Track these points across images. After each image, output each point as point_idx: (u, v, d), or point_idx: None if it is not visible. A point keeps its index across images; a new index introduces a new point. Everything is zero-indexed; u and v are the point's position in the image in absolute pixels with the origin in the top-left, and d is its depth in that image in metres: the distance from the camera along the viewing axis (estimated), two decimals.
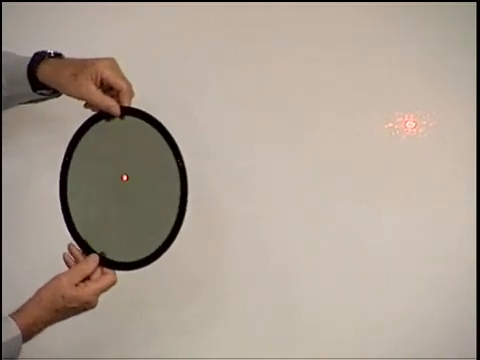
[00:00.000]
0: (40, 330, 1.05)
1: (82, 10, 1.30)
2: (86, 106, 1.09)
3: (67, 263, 1.09)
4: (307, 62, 1.30)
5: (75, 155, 1.10)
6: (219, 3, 1.29)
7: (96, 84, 1.05)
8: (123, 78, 1.06)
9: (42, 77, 1.08)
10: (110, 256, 1.08)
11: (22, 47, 1.16)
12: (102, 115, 1.07)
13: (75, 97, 1.07)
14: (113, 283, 1.07)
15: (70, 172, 1.11)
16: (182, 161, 1.03)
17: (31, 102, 1.16)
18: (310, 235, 1.32)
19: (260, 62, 1.30)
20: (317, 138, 1.31)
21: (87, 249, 1.09)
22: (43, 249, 1.34)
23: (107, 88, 1.06)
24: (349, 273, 1.31)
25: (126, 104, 1.06)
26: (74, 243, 1.09)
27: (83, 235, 1.10)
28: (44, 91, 1.10)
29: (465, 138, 1.27)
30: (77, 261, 1.08)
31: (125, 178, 1.08)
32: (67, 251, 1.09)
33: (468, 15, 1.24)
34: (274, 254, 1.33)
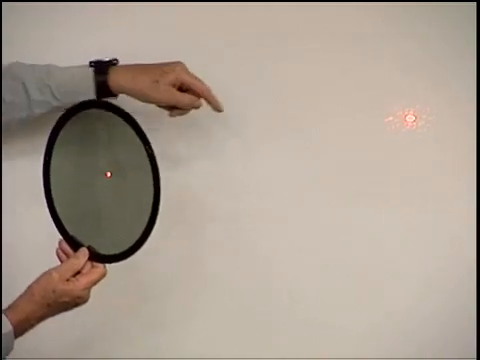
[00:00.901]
0: (32, 326, 1.06)
1: (82, 10, 1.30)
2: (172, 114, 1.14)
3: (60, 259, 1.11)
4: (307, 62, 1.30)
5: (54, 153, 1.13)
6: (219, 3, 1.29)
7: (175, 88, 1.10)
8: (199, 79, 1.13)
9: (116, 84, 1.11)
10: (98, 250, 1.09)
11: (22, 47, 1.16)
12: (73, 111, 1.09)
13: (157, 102, 1.12)
14: (103, 275, 1.09)
15: (51, 170, 1.13)
16: (151, 148, 1.04)
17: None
18: (309, 234, 1.32)
19: (260, 62, 1.30)
20: (316, 135, 1.30)
21: (75, 244, 1.11)
22: (43, 249, 1.34)
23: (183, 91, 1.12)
24: (348, 272, 1.31)
25: (213, 101, 1.13)
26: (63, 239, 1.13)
27: (70, 230, 1.12)
28: (110, 98, 1.12)
29: (465, 139, 1.27)
30: (68, 257, 1.10)
31: (109, 175, 1.10)
32: (58, 248, 1.12)
33: (468, 15, 1.24)
34: (273, 254, 1.33)
